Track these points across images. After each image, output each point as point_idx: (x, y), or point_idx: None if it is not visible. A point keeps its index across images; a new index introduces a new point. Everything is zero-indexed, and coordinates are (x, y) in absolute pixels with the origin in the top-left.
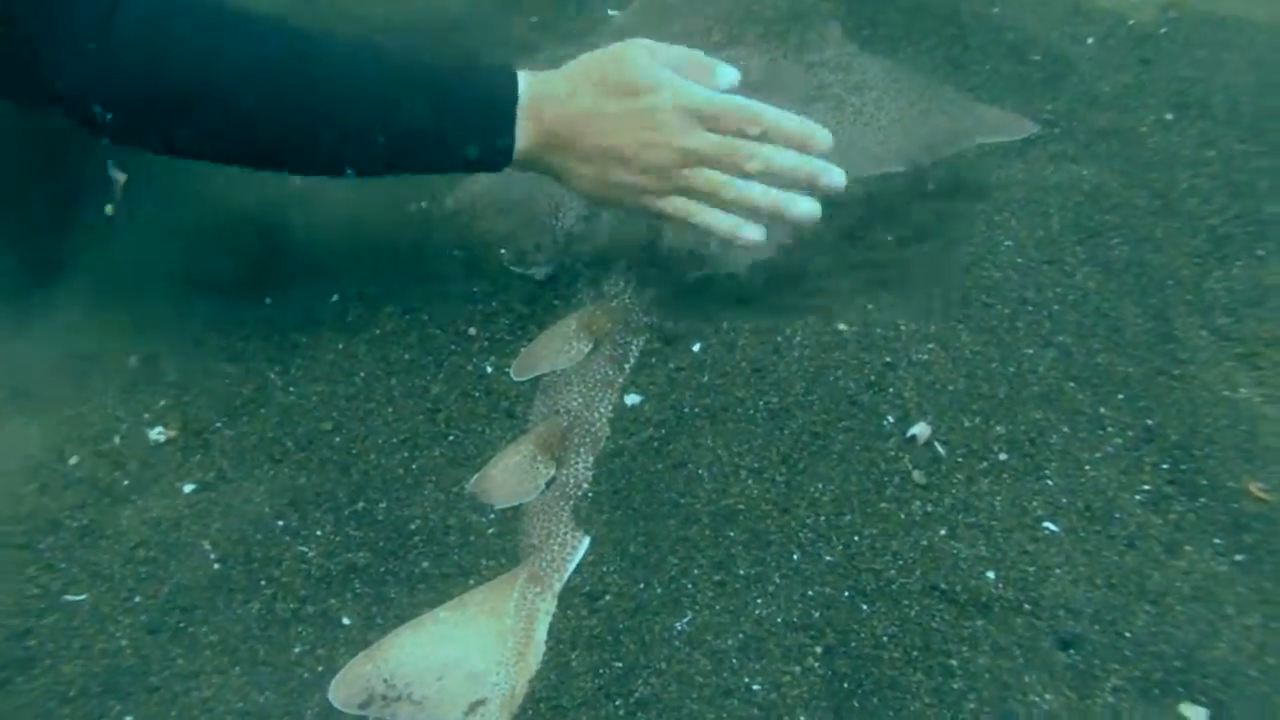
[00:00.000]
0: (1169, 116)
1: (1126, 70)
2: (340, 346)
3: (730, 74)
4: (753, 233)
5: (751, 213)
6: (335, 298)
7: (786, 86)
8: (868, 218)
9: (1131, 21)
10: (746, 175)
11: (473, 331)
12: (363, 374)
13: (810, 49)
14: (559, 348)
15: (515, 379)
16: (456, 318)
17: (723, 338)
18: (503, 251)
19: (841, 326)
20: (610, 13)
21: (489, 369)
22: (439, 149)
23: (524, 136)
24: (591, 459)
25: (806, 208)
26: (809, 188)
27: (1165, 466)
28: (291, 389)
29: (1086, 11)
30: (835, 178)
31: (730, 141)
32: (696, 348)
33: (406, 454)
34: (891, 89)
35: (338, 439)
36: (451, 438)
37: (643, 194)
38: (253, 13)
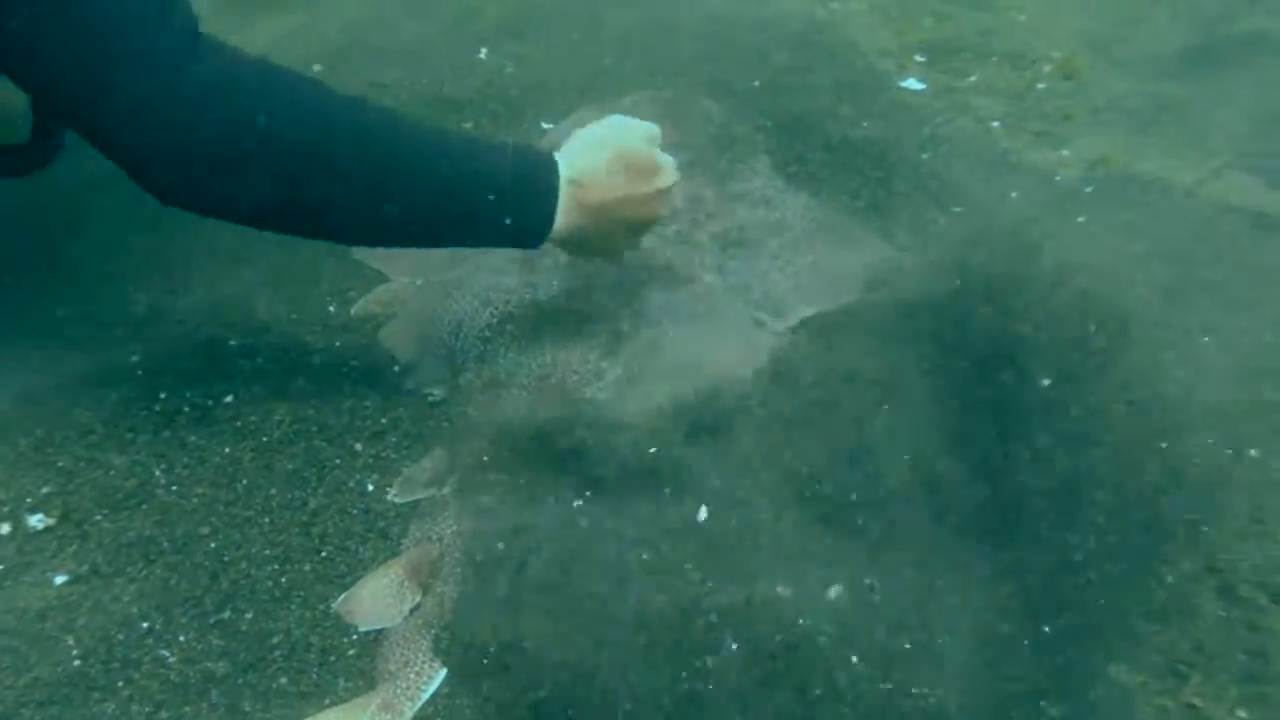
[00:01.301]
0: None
1: (1045, 228)
2: (227, 450)
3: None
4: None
5: None
6: (229, 399)
7: (710, 220)
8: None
9: (1058, 178)
10: None
11: (359, 447)
12: (245, 481)
13: (736, 179)
14: (440, 473)
15: (395, 500)
16: (345, 431)
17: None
18: (398, 367)
19: None
20: (544, 126)
21: (370, 487)
22: (485, 226)
23: (563, 219)
24: (458, 590)
25: None
26: None
27: None
28: (174, 488)
29: (1015, 165)
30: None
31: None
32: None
33: (277, 566)
34: (810, 230)
35: (213, 544)
36: (324, 554)
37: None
38: (315, 79)
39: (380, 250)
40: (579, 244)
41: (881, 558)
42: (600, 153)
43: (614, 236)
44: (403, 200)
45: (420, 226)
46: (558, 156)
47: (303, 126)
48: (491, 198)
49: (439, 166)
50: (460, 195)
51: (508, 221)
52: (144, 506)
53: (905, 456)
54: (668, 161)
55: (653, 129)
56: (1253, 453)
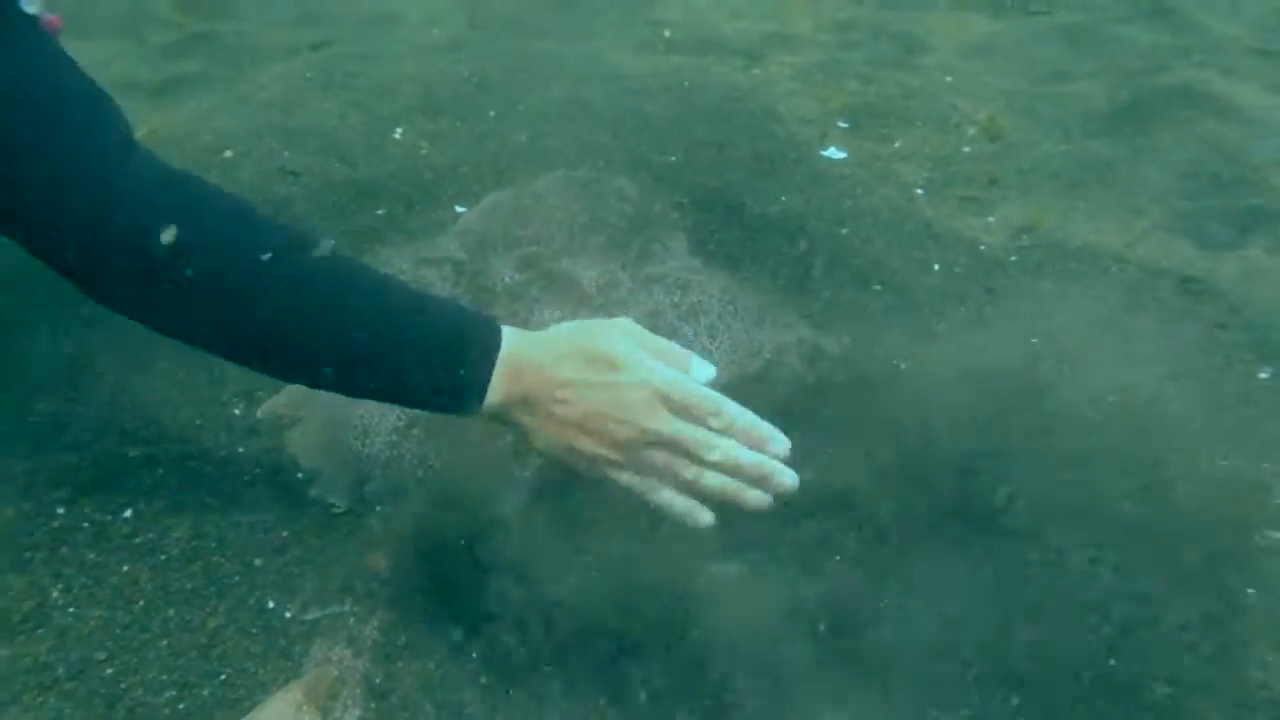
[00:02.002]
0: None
1: (969, 301)
2: (125, 569)
3: (705, 370)
4: (705, 517)
5: (704, 497)
6: (129, 513)
7: (621, 306)
8: None
9: (983, 246)
10: (704, 464)
11: (259, 563)
12: (142, 602)
13: (652, 260)
14: (339, 589)
15: (295, 618)
16: (245, 546)
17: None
18: (302, 475)
19: None
20: (458, 209)
21: (270, 604)
22: (414, 388)
23: (497, 392)
24: (357, 714)
25: (755, 499)
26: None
27: None
28: (72, 609)
29: (939, 235)
30: (789, 480)
31: (693, 428)
32: None
33: (175, 693)
34: (727, 314)
35: (109, 670)
36: (223, 677)
37: (603, 464)
38: (257, 208)
39: None
40: (528, 432)
41: None
42: (556, 333)
43: (572, 438)
44: (329, 348)
45: (344, 376)
46: (506, 331)
47: (243, 249)
48: (420, 357)
49: (372, 320)
50: (388, 353)
51: (433, 384)
52: (40, 630)
53: None
54: (641, 359)
55: (636, 327)
56: None
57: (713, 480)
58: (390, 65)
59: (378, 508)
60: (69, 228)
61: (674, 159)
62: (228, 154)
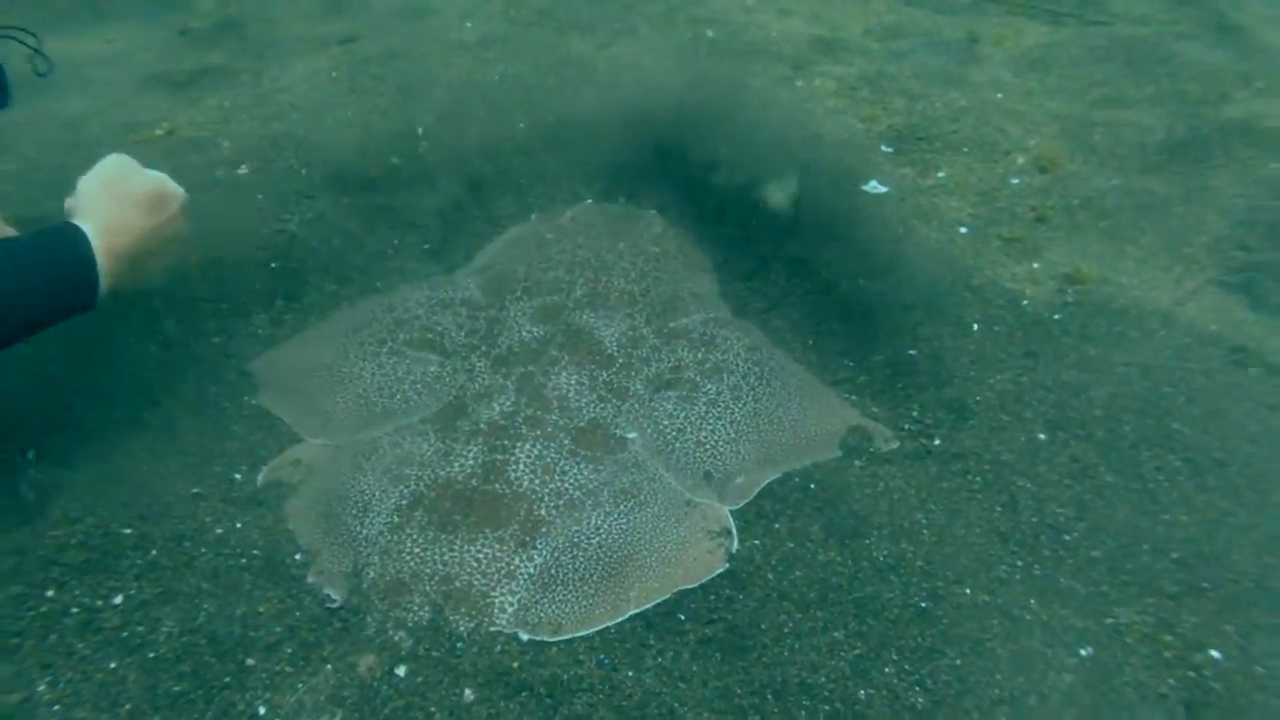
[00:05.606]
0: (1041, 436)
1: (1007, 369)
2: (112, 665)
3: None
4: None
5: None
6: (119, 599)
7: (645, 364)
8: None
9: (1025, 302)
10: None
11: (251, 662)
12: (128, 705)
13: (677, 311)
14: (330, 696)
15: None
16: (237, 643)
17: None
18: (300, 555)
19: None
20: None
21: (261, 709)
22: (28, 311)
23: (106, 274)
24: None
25: None
26: None
27: None
28: (57, 707)
29: (979, 287)
30: None
31: None
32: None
33: None
34: (752, 376)
35: None
36: None
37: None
38: None
39: (292, 403)
40: (128, 284)
41: None
42: (114, 204)
43: (153, 261)
44: None
45: None
46: (79, 223)
47: None
48: (26, 289)
49: None
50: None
51: (49, 300)
52: None
53: None
54: (164, 180)
55: (129, 160)
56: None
57: None
58: (419, 65)
59: (374, 601)
60: None
61: (707, 190)
62: (243, 170)
